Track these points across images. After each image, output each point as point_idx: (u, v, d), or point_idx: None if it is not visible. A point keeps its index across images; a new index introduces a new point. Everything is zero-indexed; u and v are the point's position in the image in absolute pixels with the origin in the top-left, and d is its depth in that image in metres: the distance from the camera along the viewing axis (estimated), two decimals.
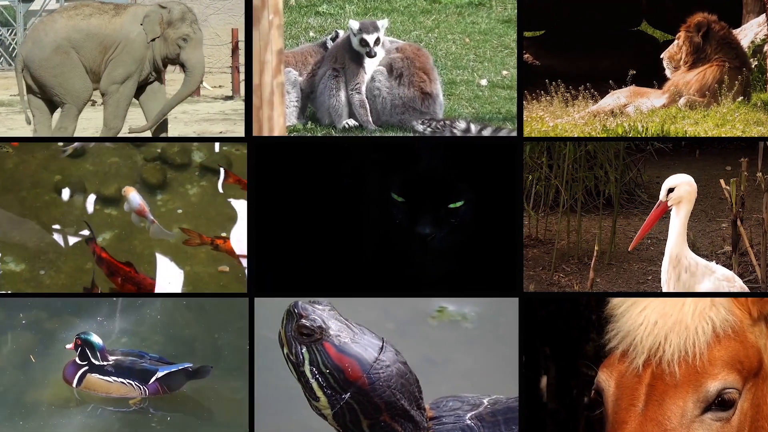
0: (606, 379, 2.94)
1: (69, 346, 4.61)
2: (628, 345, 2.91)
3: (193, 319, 4.97)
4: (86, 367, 4.56)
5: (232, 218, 5.42)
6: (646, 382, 2.85)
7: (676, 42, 6.09)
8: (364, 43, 6.14)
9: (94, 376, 4.55)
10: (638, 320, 2.90)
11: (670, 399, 2.82)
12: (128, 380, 4.52)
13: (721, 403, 2.83)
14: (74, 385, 4.58)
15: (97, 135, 6.32)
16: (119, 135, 6.14)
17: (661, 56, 6.16)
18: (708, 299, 2.89)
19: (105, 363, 4.56)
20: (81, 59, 6.00)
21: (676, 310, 2.88)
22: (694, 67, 6.04)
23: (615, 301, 3.00)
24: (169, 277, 5.12)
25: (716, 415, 2.83)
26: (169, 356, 4.67)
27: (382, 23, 6.22)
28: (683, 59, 6.06)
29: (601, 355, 3.00)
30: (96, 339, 4.59)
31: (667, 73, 6.14)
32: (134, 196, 5.18)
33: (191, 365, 4.55)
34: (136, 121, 6.29)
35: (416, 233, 4.10)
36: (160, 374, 4.51)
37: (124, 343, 4.83)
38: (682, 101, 5.91)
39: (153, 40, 6.05)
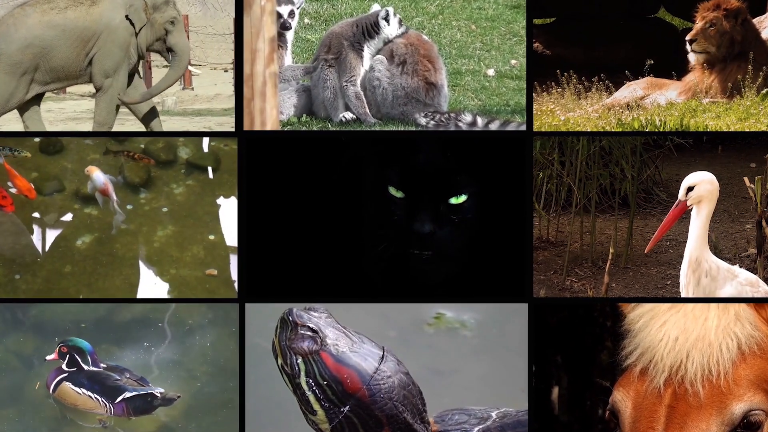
0: (622, 399, 2.92)
1: (50, 356, 4.65)
2: (648, 362, 2.89)
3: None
4: (65, 374, 4.61)
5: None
6: (666, 403, 2.84)
7: (713, 26, 6.05)
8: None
9: (67, 385, 4.60)
10: (658, 336, 2.88)
11: (693, 422, 2.80)
12: (96, 395, 4.56)
13: (746, 426, 2.81)
14: (50, 391, 4.63)
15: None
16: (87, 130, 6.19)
17: (687, 38, 6.13)
18: (732, 313, 2.86)
19: (96, 369, 4.61)
20: (49, 61, 5.97)
21: (699, 326, 2.85)
22: (722, 63, 6.04)
23: (632, 315, 2.98)
24: (152, 282, 5.15)
25: None
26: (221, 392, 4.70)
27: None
28: (716, 50, 6.04)
29: (616, 370, 2.99)
30: (84, 343, 4.64)
31: (690, 57, 6.13)
32: (98, 175, 5.28)
33: (162, 391, 4.59)
34: (127, 119, 6.34)
35: (414, 231, 4.10)
36: (127, 395, 4.55)
37: (164, 375, 4.83)
38: (703, 102, 5.92)
39: (140, 29, 6.10)
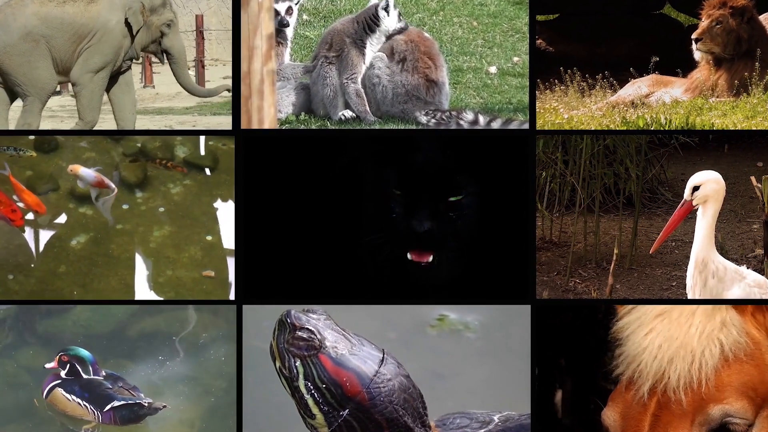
0: (611, 414, 2.97)
1: (50, 365, 4.66)
2: (634, 371, 2.92)
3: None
4: (59, 381, 4.63)
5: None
6: (651, 412, 2.87)
7: (719, 24, 6.04)
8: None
9: (59, 391, 4.62)
10: (643, 344, 2.91)
11: (674, 429, 2.84)
12: (85, 402, 4.58)
13: None
14: (43, 396, 4.65)
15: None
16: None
17: (693, 36, 6.13)
18: (718, 320, 2.88)
19: (96, 377, 4.63)
20: (51, 50, 6.04)
21: (682, 333, 2.88)
22: (728, 62, 6.03)
23: (620, 323, 3.01)
24: (148, 283, 5.15)
25: None
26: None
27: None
28: (722, 49, 6.03)
29: (614, 378, 3.02)
30: (84, 352, 4.66)
31: (696, 56, 6.12)
32: (86, 171, 5.25)
33: (150, 401, 4.60)
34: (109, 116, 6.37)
35: (413, 230, 4.09)
36: (116, 404, 4.56)
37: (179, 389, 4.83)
38: (710, 100, 5.92)
39: (138, 31, 6.14)
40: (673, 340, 2.88)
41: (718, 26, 6.05)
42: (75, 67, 6.11)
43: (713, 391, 2.83)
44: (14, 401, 4.74)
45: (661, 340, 2.89)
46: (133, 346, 4.98)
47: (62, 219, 5.41)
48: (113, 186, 5.27)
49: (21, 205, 5.23)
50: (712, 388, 2.83)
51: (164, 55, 6.34)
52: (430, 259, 4.13)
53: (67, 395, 4.60)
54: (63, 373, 4.63)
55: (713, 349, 2.85)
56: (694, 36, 6.10)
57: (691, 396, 2.84)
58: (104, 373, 4.66)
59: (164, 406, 4.59)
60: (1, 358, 4.91)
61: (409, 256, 4.13)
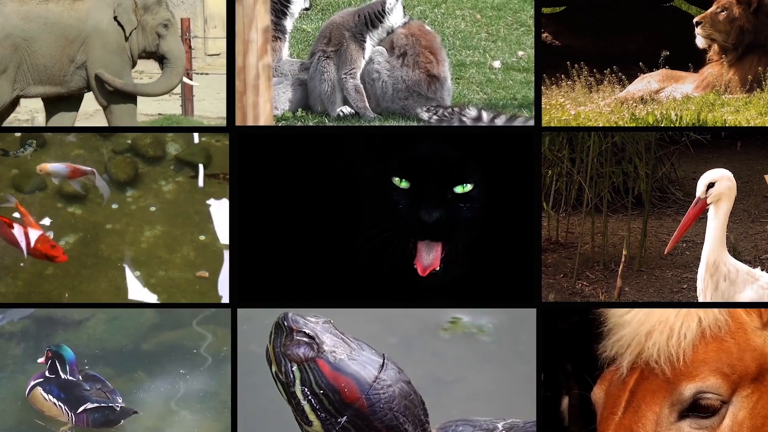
0: (597, 392, 3.05)
1: (41, 360, 4.72)
2: (614, 346, 3.01)
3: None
4: (41, 379, 4.67)
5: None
6: (629, 388, 2.95)
7: (724, 11, 6.04)
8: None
9: (38, 390, 4.66)
10: (625, 319, 3.00)
11: (646, 405, 2.91)
12: (60, 403, 4.62)
13: (698, 408, 2.90)
14: (26, 394, 4.69)
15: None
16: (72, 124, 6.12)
17: (695, 20, 6.12)
18: None
19: (73, 378, 4.66)
20: (30, 55, 5.70)
21: (661, 309, 2.98)
22: (735, 54, 6.03)
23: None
24: (139, 290, 5.16)
25: (697, 422, 2.90)
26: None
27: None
28: (723, 37, 6.04)
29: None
30: (67, 352, 4.69)
31: (698, 42, 6.11)
32: (55, 166, 5.23)
33: (122, 405, 4.63)
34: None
35: (421, 220, 4.07)
36: (89, 405, 4.60)
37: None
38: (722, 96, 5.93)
39: (131, 33, 5.81)
40: (653, 315, 2.96)
41: (722, 13, 6.05)
42: (95, 93, 5.81)
43: (689, 368, 2.91)
44: (24, 415, 4.75)
45: (641, 316, 2.98)
46: (151, 361, 4.99)
47: (46, 221, 5.41)
48: (89, 169, 5.24)
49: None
50: (688, 363, 2.91)
51: (161, 61, 5.97)
52: (438, 267, 4.12)
53: (45, 395, 4.64)
54: (46, 371, 4.67)
55: (692, 324, 2.93)
56: (695, 19, 6.11)
57: (667, 370, 2.92)
58: (80, 375, 4.69)
59: (134, 412, 4.62)
60: (13, 373, 4.94)
61: (417, 269, 4.13)
